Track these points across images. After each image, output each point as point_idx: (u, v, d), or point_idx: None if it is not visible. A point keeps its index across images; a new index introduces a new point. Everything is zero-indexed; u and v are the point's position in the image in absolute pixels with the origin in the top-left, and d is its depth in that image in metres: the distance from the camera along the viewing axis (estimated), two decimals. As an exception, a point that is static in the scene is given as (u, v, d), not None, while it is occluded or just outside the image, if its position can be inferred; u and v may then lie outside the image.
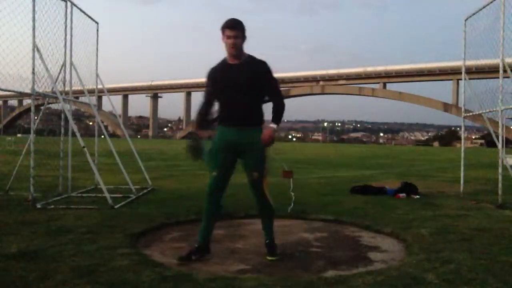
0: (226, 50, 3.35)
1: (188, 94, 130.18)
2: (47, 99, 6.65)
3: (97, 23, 7.81)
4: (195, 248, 3.41)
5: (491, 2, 6.61)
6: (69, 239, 3.75)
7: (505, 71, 6.39)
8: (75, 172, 7.98)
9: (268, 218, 3.58)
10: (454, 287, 2.72)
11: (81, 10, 6.99)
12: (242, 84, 3.30)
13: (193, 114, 3.67)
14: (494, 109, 6.81)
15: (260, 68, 3.36)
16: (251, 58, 3.40)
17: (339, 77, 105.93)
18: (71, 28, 6.71)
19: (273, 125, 3.26)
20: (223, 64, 3.44)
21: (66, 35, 6.58)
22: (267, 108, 3.41)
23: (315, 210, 5.60)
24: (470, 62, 7.61)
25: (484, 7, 6.90)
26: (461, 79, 8.47)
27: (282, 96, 3.43)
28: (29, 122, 6.00)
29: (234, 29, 3.27)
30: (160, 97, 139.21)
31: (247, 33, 3.37)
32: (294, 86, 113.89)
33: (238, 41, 3.29)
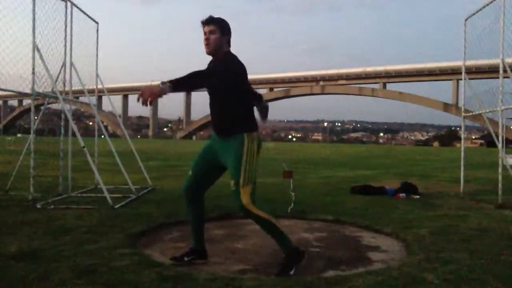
0: None
1: (188, 94, 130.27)
2: (47, 99, 6.65)
3: (97, 23, 7.81)
4: (188, 250, 3.35)
5: (491, 2, 6.61)
6: (69, 239, 3.75)
7: (505, 71, 6.39)
8: (75, 172, 7.98)
9: (270, 230, 3.08)
10: (454, 287, 2.72)
11: (81, 10, 6.99)
12: (209, 88, 3.05)
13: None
14: (494, 109, 6.81)
15: (217, 67, 3.00)
16: (224, 58, 3.04)
17: (339, 77, 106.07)
18: (71, 28, 6.71)
19: (165, 83, 2.68)
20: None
21: (66, 35, 6.58)
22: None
23: (315, 210, 5.60)
24: (470, 62, 7.62)
25: (484, 7, 6.90)
26: (461, 79, 8.47)
27: (203, 73, 2.89)
28: (29, 122, 6.01)
29: (208, 24, 3.02)
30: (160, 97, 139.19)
31: (233, 33, 3.09)
32: (294, 86, 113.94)
33: (211, 37, 3.00)
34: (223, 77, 2.94)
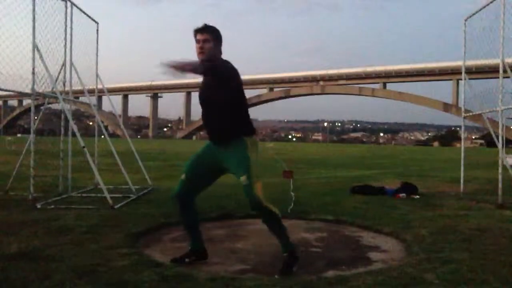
0: None
1: (188, 94, 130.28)
2: (47, 99, 6.65)
3: (97, 23, 7.81)
4: (188, 251, 3.35)
5: (491, 2, 6.61)
6: (69, 239, 3.75)
7: (505, 71, 6.39)
8: (75, 172, 7.98)
9: (276, 226, 3.15)
10: (454, 287, 2.72)
11: (81, 10, 6.99)
12: (208, 96, 3.12)
13: None
14: (494, 109, 6.81)
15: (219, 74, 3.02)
16: (224, 65, 3.06)
17: (339, 77, 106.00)
18: (71, 28, 6.72)
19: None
20: None
21: (66, 35, 6.58)
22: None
23: (315, 210, 5.60)
24: (470, 62, 7.61)
25: (484, 7, 6.90)
26: (461, 79, 8.47)
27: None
28: (29, 122, 6.01)
29: (202, 32, 3.04)
30: (160, 97, 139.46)
31: (224, 40, 3.11)
32: (294, 86, 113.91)
33: (206, 45, 3.02)
34: (229, 83, 3.02)
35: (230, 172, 3.15)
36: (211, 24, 3.11)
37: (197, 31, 3.06)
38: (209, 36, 3.04)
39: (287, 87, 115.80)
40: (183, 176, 3.20)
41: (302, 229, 4.67)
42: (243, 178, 3.01)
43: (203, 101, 3.16)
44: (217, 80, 3.02)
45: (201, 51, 3.02)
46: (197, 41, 3.05)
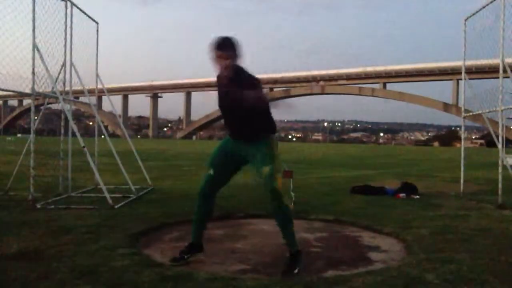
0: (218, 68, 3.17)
1: (188, 94, 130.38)
2: (47, 99, 6.65)
3: (97, 23, 7.81)
4: (186, 246, 3.38)
5: (491, 2, 6.61)
6: (69, 239, 3.75)
7: (505, 71, 6.39)
8: (75, 172, 7.98)
9: (283, 221, 3.25)
10: (454, 287, 2.72)
11: (81, 10, 6.99)
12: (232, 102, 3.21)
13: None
14: (494, 109, 6.81)
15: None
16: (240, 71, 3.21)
17: (339, 77, 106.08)
18: (71, 28, 6.71)
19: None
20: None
21: (66, 35, 6.58)
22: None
23: (315, 210, 5.60)
24: (470, 62, 7.61)
25: (484, 7, 6.90)
26: (461, 79, 8.47)
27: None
28: (29, 122, 6.00)
29: (222, 50, 3.09)
30: (160, 97, 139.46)
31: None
32: (294, 86, 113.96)
33: (227, 62, 3.10)
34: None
35: (252, 165, 3.21)
36: (227, 37, 3.13)
37: (217, 48, 3.08)
38: (229, 53, 3.09)
39: (287, 87, 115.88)
40: (211, 171, 3.33)
41: (302, 229, 4.66)
42: (266, 169, 3.10)
43: (227, 106, 3.21)
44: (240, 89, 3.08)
45: (225, 68, 3.10)
46: (218, 56, 3.09)
